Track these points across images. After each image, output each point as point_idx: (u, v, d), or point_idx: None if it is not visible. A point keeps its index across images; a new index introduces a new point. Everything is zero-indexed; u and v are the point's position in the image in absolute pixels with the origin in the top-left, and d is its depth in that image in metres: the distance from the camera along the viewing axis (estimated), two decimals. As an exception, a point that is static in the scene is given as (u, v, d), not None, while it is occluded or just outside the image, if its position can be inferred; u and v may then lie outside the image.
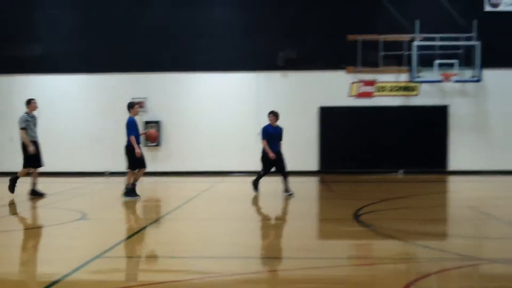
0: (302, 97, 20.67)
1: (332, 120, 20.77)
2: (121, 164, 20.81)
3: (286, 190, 13.99)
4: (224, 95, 21.16)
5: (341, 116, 20.70)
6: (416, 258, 7.98)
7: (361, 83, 21.12)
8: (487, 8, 21.09)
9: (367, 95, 21.12)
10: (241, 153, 20.86)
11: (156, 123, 21.12)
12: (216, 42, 21.10)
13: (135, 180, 13.77)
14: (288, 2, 21.10)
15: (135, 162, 13.55)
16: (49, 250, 8.51)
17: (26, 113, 14.10)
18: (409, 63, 20.58)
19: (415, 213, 11.82)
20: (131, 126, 13.65)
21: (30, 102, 14.27)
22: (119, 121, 21.00)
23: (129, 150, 13.60)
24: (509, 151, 20.66)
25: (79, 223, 10.50)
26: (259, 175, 14.55)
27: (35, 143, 14.05)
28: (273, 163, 14.09)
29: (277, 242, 9.29)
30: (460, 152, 20.78)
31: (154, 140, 14.50)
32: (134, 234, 9.51)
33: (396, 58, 20.89)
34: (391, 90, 21.12)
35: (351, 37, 20.88)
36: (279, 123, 14.32)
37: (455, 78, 20.10)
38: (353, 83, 21.11)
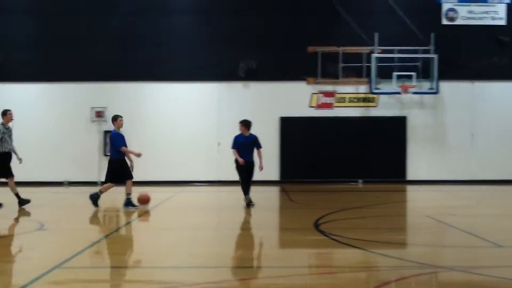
0: (263, 107, 20.76)
1: (293, 131, 20.90)
2: (80, 173, 20.72)
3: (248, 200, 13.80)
4: (186, 105, 21.11)
5: (302, 127, 20.85)
6: (376, 267, 8.08)
7: (321, 94, 21.31)
8: (444, 21, 21.53)
9: (327, 106, 21.31)
10: (203, 163, 20.83)
11: (116, 133, 20.93)
12: (177, 52, 21.07)
13: (104, 191, 13.71)
14: (250, 13, 21.20)
15: (125, 174, 13.57)
16: (7, 261, 8.37)
17: (2, 124, 13.84)
18: (368, 75, 20.85)
19: (374, 222, 11.96)
20: (117, 139, 13.64)
21: (5, 113, 13.96)
22: (78, 130, 20.89)
23: (115, 163, 13.64)
24: (465, 161, 21.07)
25: (38, 234, 10.35)
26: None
27: (10, 155, 13.80)
28: (244, 169, 13.71)
29: (237, 251, 9.30)
30: (418, 162, 21.10)
31: (146, 202, 14.20)
32: (94, 244, 9.41)
33: (355, 70, 21.14)
34: (350, 101, 21.36)
35: (311, 48, 21.08)
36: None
37: (413, 90, 20.42)
38: (313, 94, 21.29)
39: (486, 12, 21.55)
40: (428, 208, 14.36)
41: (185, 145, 20.87)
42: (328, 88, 21.25)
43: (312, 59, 21.05)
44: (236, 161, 13.74)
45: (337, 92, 21.28)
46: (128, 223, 12.00)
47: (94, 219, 12.72)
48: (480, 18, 21.54)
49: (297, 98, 21.12)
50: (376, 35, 20.39)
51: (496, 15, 21.50)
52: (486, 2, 21.46)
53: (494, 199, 16.79)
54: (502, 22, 21.42)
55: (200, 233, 10.65)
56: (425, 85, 20.71)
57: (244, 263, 8.50)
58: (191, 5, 21.44)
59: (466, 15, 21.55)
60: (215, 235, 10.67)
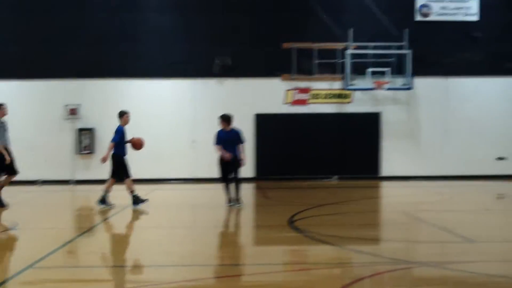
0: (238, 104, 20.71)
1: (268, 127, 20.91)
2: (53, 172, 20.52)
3: (237, 199, 13.23)
4: (160, 102, 21.00)
5: (277, 123, 20.87)
6: (350, 263, 8.13)
7: (296, 91, 21.34)
8: (418, 17, 21.68)
9: (302, 102, 21.35)
10: (178, 160, 20.76)
11: (90, 130, 20.79)
12: (152, 49, 20.94)
13: (107, 191, 13.56)
14: (224, 10, 21.14)
15: (123, 171, 13.55)
16: (-22, 261, 8.27)
17: None
18: (342, 71, 20.92)
19: (348, 219, 12.02)
20: (117, 134, 13.74)
21: (0, 108, 13.77)
22: (51, 128, 20.69)
23: (116, 158, 13.65)
24: (439, 156, 21.24)
25: (11, 233, 10.24)
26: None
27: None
28: (228, 166, 13.22)
29: (213, 249, 9.28)
30: (392, 158, 21.24)
31: (140, 147, 14.11)
32: (67, 244, 9.33)
33: (330, 66, 21.20)
34: (325, 98, 21.42)
35: (286, 45, 21.09)
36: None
37: (387, 86, 20.53)
38: (288, 90, 21.31)
39: (459, 8, 21.73)
40: (402, 204, 14.48)
41: (160, 142, 20.76)
42: (303, 84, 21.29)
43: (287, 55, 21.07)
44: (221, 157, 13.24)
45: (312, 88, 21.33)
46: (102, 222, 11.91)
47: (68, 218, 12.62)
48: (453, 14, 21.72)
49: (272, 94, 21.13)
50: (351, 32, 20.47)
51: (469, 11, 21.69)
52: (459, -2, 21.65)
53: (467, 195, 16.98)
54: (475, 18, 21.62)
55: (175, 231, 10.63)
56: (399, 81, 20.84)
57: (220, 261, 8.50)
58: (166, 1, 21.33)
59: (439, 11, 21.71)
60: (191, 233, 10.65)
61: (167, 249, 8.92)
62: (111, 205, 13.45)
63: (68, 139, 20.77)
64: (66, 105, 20.76)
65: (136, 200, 13.50)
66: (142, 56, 20.88)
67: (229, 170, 13.22)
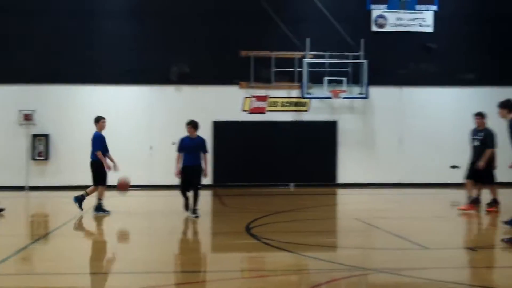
0: (195, 111, 20.57)
1: (226, 135, 20.90)
2: (7, 178, 20.13)
3: (194, 210, 12.70)
4: (117, 109, 20.74)
5: (235, 131, 20.87)
6: (307, 269, 8.19)
7: (254, 98, 21.40)
8: (374, 28, 21.99)
9: (260, 110, 21.42)
10: (134, 167, 20.50)
11: (45, 137, 20.46)
12: (108, 55, 20.72)
13: (100, 198, 13.47)
14: (182, 16, 21.07)
15: (101, 177, 13.45)
16: None
17: None
18: (300, 79, 21.07)
19: (305, 226, 12.11)
20: (96, 141, 13.56)
21: (99, 121, 13.92)
22: (5, 134, 20.31)
23: (95, 165, 13.54)
24: (394, 164, 21.52)
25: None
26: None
27: None
28: (188, 175, 12.81)
29: (169, 256, 9.23)
30: (348, 166, 21.43)
31: (124, 188, 13.86)
32: (20, 251, 9.17)
33: (287, 75, 21.32)
34: (282, 106, 21.53)
35: (244, 53, 21.15)
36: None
37: (343, 95, 20.74)
38: (246, 98, 21.36)
39: (414, 19, 22.12)
40: (358, 211, 14.63)
41: (116, 149, 20.34)
42: (261, 92, 21.36)
43: (245, 63, 21.12)
44: (183, 166, 12.90)
45: (270, 96, 21.42)
46: (57, 229, 11.73)
47: (22, 225, 12.40)
48: (408, 25, 22.08)
49: (230, 102, 21.15)
50: (308, 41, 20.65)
51: (423, 22, 22.09)
52: (414, 9, 22.04)
53: (421, 202, 17.25)
54: (430, 29, 22.03)
55: (131, 239, 10.54)
56: (355, 90, 21.08)
57: (176, 268, 8.47)
58: (123, 8, 21.13)
59: (394, 22, 22.06)
60: (147, 240, 10.57)
61: (124, 256, 8.85)
62: (107, 211, 13.34)
63: (22, 145, 20.38)
64: (21, 111, 20.41)
65: (99, 208, 13.34)
66: (99, 62, 20.64)
67: (189, 179, 12.80)
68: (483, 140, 13.57)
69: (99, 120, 13.90)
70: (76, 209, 13.62)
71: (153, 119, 20.80)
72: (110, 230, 11.65)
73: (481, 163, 13.21)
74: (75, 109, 20.66)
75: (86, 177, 20.13)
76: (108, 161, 13.69)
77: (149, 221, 13.11)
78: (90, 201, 13.62)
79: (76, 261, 8.60)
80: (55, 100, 20.55)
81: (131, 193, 19.29)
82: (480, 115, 13.94)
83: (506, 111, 11.03)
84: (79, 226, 12.19)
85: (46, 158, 20.38)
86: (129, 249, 9.51)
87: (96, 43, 20.74)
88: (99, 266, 8.16)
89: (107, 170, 13.54)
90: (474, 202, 13.73)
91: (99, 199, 13.47)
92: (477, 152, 13.63)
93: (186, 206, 12.96)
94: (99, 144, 13.54)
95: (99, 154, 13.44)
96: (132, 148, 20.41)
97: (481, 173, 13.35)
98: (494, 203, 13.60)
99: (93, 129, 20.46)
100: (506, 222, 11.17)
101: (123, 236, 10.85)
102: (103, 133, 13.99)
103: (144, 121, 20.75)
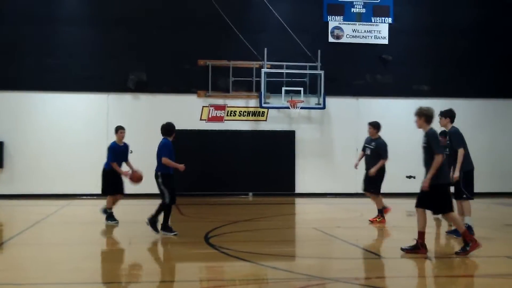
0: (153, 119, 20.50)
1: (184, 143, 20.75)
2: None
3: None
4: (74, 116, 20.54)
5: (193, 140, 20.80)
6: (265, 279, 8.21)
7: (212, 108, 21.40)
8: (331, 39, 22.25)
9: (218, 119, 21.43)
10: (90, 175, 20.29)
11: (-1, 144, 20.12)
12: (66, 62, 20.48)
13: (110, 207, 13.33)
14: (141, 25, 20.98)
15: (109, 187, 13.24)
16: None
17: None
18: (258, 89, 21.16)
19: (263, 235, 12.14)
20: (110, 152, 13.42)
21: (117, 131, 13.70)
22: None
23: (104, 174, 13.41)
24: (349, 174, 21.68)
25: None
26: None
27: None
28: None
29: (124, 266, 9.15)
30: (306, 175, 21.58)
31: (138, 181, 13.43)
32: (-26, 262, 8.98)
33: (245, 84, 21.41)
34: (241, 115, 21.58)
35: (201, 62, 21.16)
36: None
37: (300, 105, 20.92)
38: (204, 107, 21.34)
39: (370, 31, 22.47)
40: (316, 220, 14.74)
41: (72, 157, 20.30)
42: (219, 101, 21.39)
43: (203, 72, 21.13)
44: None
45: (228, 105, 21.46)
46: (10, 239, 11.52)
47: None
48: (364, 37, 22.43)
49: (188, 111, 21.10)
50: (266, 51, 20.77)
51: (379, 34, 22.46)
52: (370, 21, 22.38)
53: (375, 212, 17.41)
54: (385, 41, 22.40)
55: (85, 248, 10.41)
56: (313, 100, 21.27)
57: (132, 278, 8.39)
58: (82, 15, 20.94)
59: (351, 34, 22.36)
60: (101, 250, 10.46)
61: (76, 266, 8.72)
62: (116, 220, 13.26)
63: (-26, 153, 19.97)
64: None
65: (110, 216, 13.29)
66: (56, 69, 20.40)
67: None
68: (375, 150, 13.75)
69: (117, 131, 13.75)
70: (30, 217, 13.40)
71: (110, 126, 20.56)
72: (64, 239, 11.48)
73: (373, 170, 13.48)
74: (30, 116, 20.38)
75: (43, 185, 19.99)
76: (126, 169, 13.44)
77: (105, 230, 12.96)
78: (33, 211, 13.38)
79: (28, 271, 8.45)
80: (12, 107, 20.23)
81: (88, 202, 19.11)
82: (372, 125, 14.12)
83: (447, 120, 11.42)
84: (32, 235, 11.97)
85: (0, 166, 20.01)
86: (83, 258, 9.38)
87: (54, 51, 20.51)
88: (52, 276, 8.04)
89: (125, 177, 13.24)
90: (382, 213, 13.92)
91: (108, 208, 13.33)
92: (368, 160, 13.84)
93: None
94: (111, 154, 13.32)
95: (114, 165, 13.21)
96: (88, 156, 20.18)
97: (370, 180, 13.54)
98: (380, 213, 13.81)
99: (48, 137, 20.40)
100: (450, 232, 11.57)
101: (77, 245, 10.70)
102: (126, 141, 13.82)
103: (100, 128, 20.53)
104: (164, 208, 11.64)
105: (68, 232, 12.57)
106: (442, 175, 9.65)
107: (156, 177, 11.68)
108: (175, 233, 11.45)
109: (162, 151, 11.79)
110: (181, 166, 11.74)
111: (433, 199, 9.62)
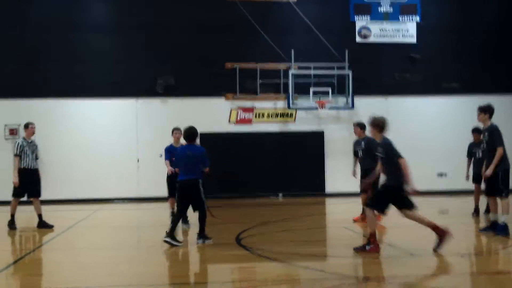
0: (182, 123, 20.48)
1: (213, 146, 20.79)
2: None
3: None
4: (103, 122, 20.78)
5: (222, 142, 20.89)
6: (298, 279, 8.20)
7: (240, 110, 21.47)
8: (358, 39, 22.17)
9: (246, 121, 21.49)
10: (122, 180, 20.51)
11: (31, 151, 20.36)
12: (93, 68, 20.74)
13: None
14: (167, 29, 21.13)
15: (172, 190, 12.79)
16: None
17: (23, 138, 13.51)
18: (285, 90, 21.17)
19: (295, 235, 12.13)
20: (165, 152, 13.49)
21: (27, 126, 13.67)
22: None
23: (167, 178, 13.31)
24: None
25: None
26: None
27: (29, 171, 13.31)
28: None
29: (160, 269, 9.21)
30: (336, 175, 21.48)
31: None
32: (10, 265, 9.12)
33: (273, 86, 21.43)
34: (269, 117, 21.61)
35: (229, 65, 21.23)
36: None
37: (329, 105, 20.88)
38: (232, 109, 21.42)
39: (398, 30, 22.34)
40: (347, 220, 14.65)
41: (104, 162, 20.52)
42: (247, 104, 21.44)
43: (231, 75, 21.21)
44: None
45: (256, 107, 21.50)
46: (45, 244, 11.68)
47: (9, 240, 12.32)
48: (391, 36, 22.31)
49: (216, 114, 21.19)
50: (293, 52, 20.77)
51: (407, 33, 22.33)
52: (398, 20, 22.25)
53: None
54: (413, 40, 22.26)
55: (120, 252, 10.49)
56: (341, 101, 21.22)
57: (168, 280, 8.45)
58: (106, 21, 21.20)
59: (378, 33, 22.27)
60: (136, 253, 10.55)
61: (112, 270, 8.80)
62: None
63: (7, 159, 20.23)
64: (6, 125, 20.34)
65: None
66: (84, 75, 20.67)
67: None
68: (365, 150, 13.50)
69: (172, 132, 13.88)
70: (62, 222, 13.53)
71: (140, 131, 20.81)
72: (99, 243, 11.59)
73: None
74: (61, 122, 20.69)
75: (75, 190, 20.18)
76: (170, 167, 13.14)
77: (138, 234, 13.07)
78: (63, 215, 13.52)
79: (65, 275, 8.56)
80: (41, 114, 20.46)
81: (120, 206, 19.29)
82: (358, 126, 13.87)
83: (486, 116, 11.25)
84: (67, 240, 12.12)
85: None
86: (118, 262, 9.47)
87: (81, 57, 20.77)
88: (89, 280, 8.12)
89: (169, 173, 13.09)
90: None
91: (172, 208, 13.13)
92: (363, 161, 13.60)
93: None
94: (166, 154, 13.39)
95: (166, 163, 13.22)
96: (119, 161, 20.43)
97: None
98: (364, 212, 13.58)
99: (78, 142, 20.62)
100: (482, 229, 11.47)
101: (112, 249, 10.80)
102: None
103: (130, 133, 20.75)
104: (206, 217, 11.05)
105: (102, 236, 12.69)
106: (396, 178, 9.81)
107: (196, 185, 11.01)
108: (181, 243, 10.93)
109: (204, 159, 11.34)
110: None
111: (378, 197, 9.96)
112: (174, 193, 11.80)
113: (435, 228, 9.63)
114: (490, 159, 11.11)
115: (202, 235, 10.93)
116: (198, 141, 11.77)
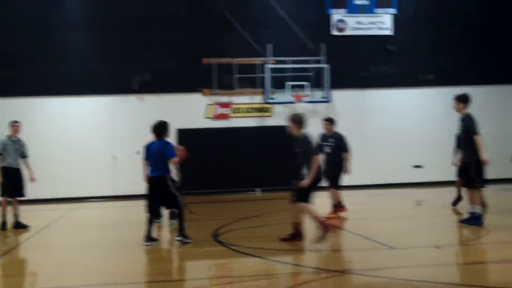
0: (159, 119, 20.55)
1: (190, 142, 20.71)
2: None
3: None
4: (79, 119, 20.57)
5: (199, 138, 20.78)
6: (275, 274, 8.21)
7: (217, 105, 21.39)
8: (334, 32, 22.20)
9: (224, 116, 21.42)
10: (97, 178, 20.35)
11: (6, 150, 20.13)
12: (69, 66, 20.49)
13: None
14: (143, 25, 20.98)
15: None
16: None
17: (7, 136, 13.44)
18: (262, 85, 21.14)
19: (272, 230, 12.13)
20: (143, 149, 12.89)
21: (13, 125, 13.62)
22: None
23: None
24: (357, 166, 21.33)
25: None
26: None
27: (11, 170, 13.17)
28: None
29: (136, 267, 9.16)
30: (313, 170, 21.49)
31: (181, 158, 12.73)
32: (-16, 267, 9.02)
33: (250, 81, 21.37)
34: (246, 112, 21.57)
35: (206, 60, 21.14)
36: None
37: (306, 99, 20.88)
38: (209, 105, 21.34)
39: (373, 23, 22.39)
40: (323, 213, 14.68)
41: (79, 160, 20.33)
42: (224, 99, 21.37)
43: (207, 71, 21.11)
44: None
45: (233, 102, 21.45)
46: (20, 244, 11.56)
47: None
48: (367, 29, 22.36)
49: (193, 109, 21.10)
50: (269, 46, 20.74)
51: (382, 26, 22.39)
52: (373, 13, 22.31)
53: (385, 203, 17.43)
54: (389, 32, 22.33)
55: (95, 251, 10.42)
56: (318, 94, 21.21)
57: (143, 278, 8.40)
58: (82, 18, 20.95)
59: (354, 26, 22.30)
60: (112, 252, 10.47)
61: (87, 268, 8.74)
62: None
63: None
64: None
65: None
66: (60, 73, 20.41)
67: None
68: (335, 146, 13.59)
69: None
70: (38, 222, 13.41)
71: (116, 129, 20.65)
72: (74, 242, 11.50)
73: (348, 170, 13.74)
74: (37, 120, 20.37)
75: (49, 189, 19.99)
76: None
77: (111, 233, 12.98)
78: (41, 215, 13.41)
79: (40, 275, 8.49)
80: (17, 112, 20.17)
81: (96, 205, 19.16)
82: (328, 121, 13.98)
83: (462, 105, 11.36)
84: (42, 240, 12.01)
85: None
86: (93, 261, 9.40)
87: (57, 55, 20.51)
88: (64, 279, 8.06)
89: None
90: (337, 208, 13.76)
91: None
92: (330, 158, 13.59)
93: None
94: (144, 153, 12.84)
95: (142, 164, 12.56)
96: (95, 159, 20.28)
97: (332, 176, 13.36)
98: (336, 207, 13.60)
99: (54, 140, 20.40)
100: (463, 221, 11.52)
101: (87, 248, 10.71)
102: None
103: (106, 131, 20.59)
104: (183, 213, 10.75)
105: (76, 235, 12.59)
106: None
107: (164, 181, 10.79)
108: (157, 241, 10.80)
109: (166, 151, 10.96)
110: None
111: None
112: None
113: (321, 222, 9.80)
114: (467, 148, 11.22)
115: (181, 233, 10.69)
116: (169, 135, 11.70)
